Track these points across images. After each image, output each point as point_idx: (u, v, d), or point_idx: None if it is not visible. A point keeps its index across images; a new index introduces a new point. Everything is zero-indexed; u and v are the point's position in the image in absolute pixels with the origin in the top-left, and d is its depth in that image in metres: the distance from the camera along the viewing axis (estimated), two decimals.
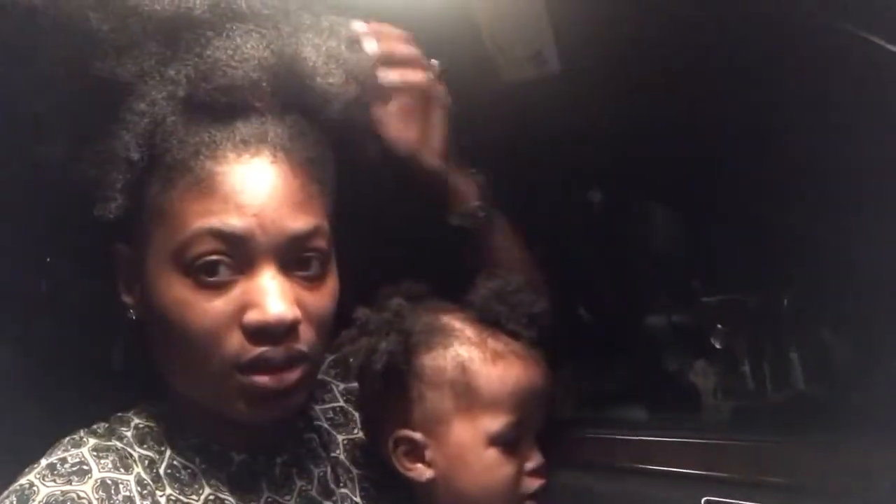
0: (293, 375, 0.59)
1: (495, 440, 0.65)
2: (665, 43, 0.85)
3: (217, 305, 0.57)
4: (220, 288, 0.57)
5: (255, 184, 0.57)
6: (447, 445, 0.66)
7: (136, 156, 0.57)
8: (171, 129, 0.57)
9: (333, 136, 0.65)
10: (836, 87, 0.74)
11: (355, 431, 0.74)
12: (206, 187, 0.56)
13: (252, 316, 0.57)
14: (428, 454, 0.67)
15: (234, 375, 0.58)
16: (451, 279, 0.85)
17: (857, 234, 0.85)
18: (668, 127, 0.96)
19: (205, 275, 0.57)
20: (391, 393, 0.67)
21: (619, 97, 0.94)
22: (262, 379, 0.58)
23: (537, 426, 0.67)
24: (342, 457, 0.72)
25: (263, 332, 0.57)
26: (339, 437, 0.73)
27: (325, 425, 0.73)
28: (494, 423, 0.65)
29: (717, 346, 1.28)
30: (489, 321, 0.68)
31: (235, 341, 0.58)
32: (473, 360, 0.66)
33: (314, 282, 0.61)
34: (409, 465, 0.68)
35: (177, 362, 0.61)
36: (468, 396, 0.65)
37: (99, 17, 0.56)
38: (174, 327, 0.58)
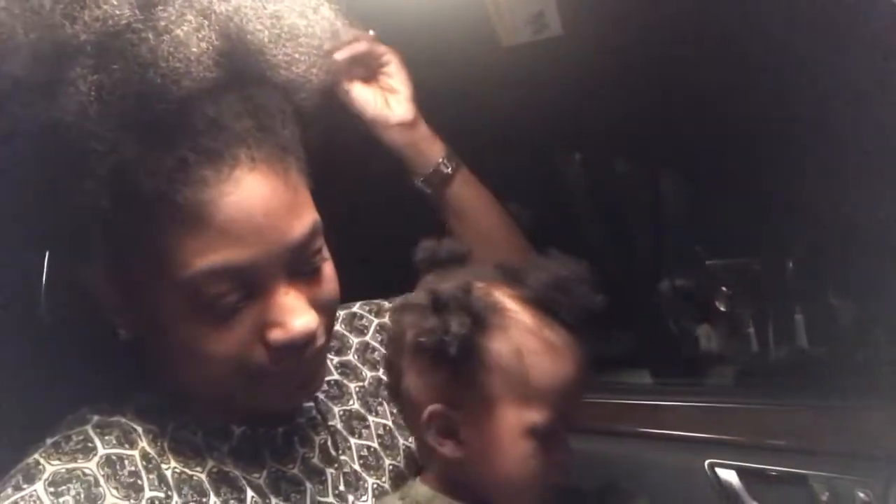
0: (314, 363, 0.60)
1: (535, 432, 0.63)
2: (668, 7, 0.83)
3: (236, 332, 0.55)
4: (233, 316, 0.55)
5: (246, 206, 0.53)
6: (485, 429, 0.63)
7: (105, 203, 0.50)
8: (133, 160, 0.50)
9: (294, 107, 0.61)
10: (840, 53, 0.72)
11: (350, 403, 0.75)
12: (195, 220, 0.52)
13: (277, 335, 0.55)
14: (463, 433, 0.65)
15: (265, 381, 0.58)
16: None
17: (859, 198, 0.84)
18: (673, 92, 0.95)
19: (217, 310, 0.54)
20: (436, 366, 0.64)
21: (621, 62, 0.92)
22: (294, 378, 0.59)
23: (573, 420, 0.65)
24: (339, 426, 0.72)
25: (290, 348, 0.56)
26: (336, 409, 0.73)
27: (322, 397, 0.73)
28: (539, 415, 0.62)
29: (722, 309, 1.28)
30: (546, 308, 0.64)
31: (259, 356, 0.56)
32: (530, 348, 0.63)
33: (317, 273, 0.59)
34: (441, 440, 0.65)
35: (195, 380, 0.60)
36: (518, 385, 0.62)
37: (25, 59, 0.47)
38: (192, 355, 0.56)
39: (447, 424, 0.64)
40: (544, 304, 0.64)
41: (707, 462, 0.86)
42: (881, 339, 0.97)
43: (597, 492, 0.71)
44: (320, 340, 0.58)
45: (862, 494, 0.75)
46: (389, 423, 0.76)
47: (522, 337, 0.63)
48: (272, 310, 0.55)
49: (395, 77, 0.82)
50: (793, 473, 0.81)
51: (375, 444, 0.73)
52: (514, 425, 0.62)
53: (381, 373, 0.78)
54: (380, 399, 0.77)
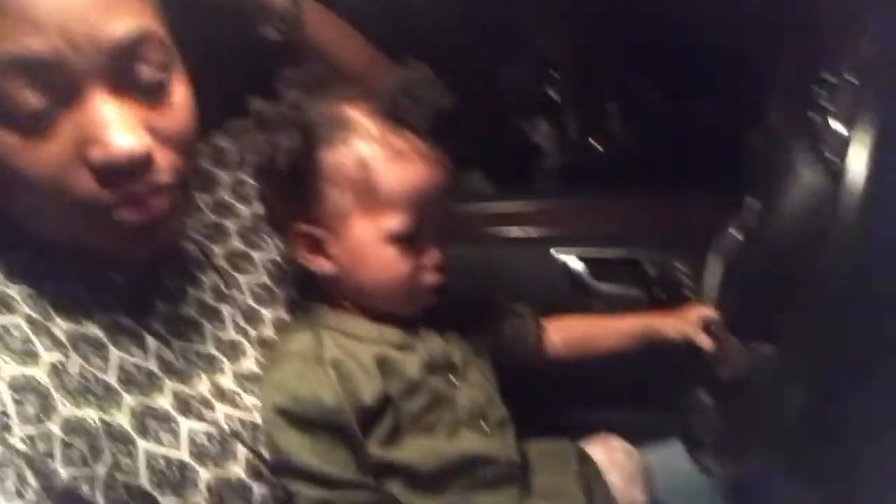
0: (162, 206, 0.54)
1: (394, 238, 0.64)
2: None
3: (50, 150, 0.49)
4: (48, 128, 0.49)
5: None
6: (347, 241, 0.65)
7: None
8: None
9: None
10: None
11: (231, 242, 0.73)
12: None
13: (96, 153, 0.50)
14: (329, 249, 0.66)
15: (97, 216, 0.53)
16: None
17: None
18: None
19: (21, 117, 0.48)
20: (291, 188, 0.64)
21: None
22: (130, 214, 0.53)
23: (438, 224, 0.66)
24: (224, 265, 0.71)
25: (113, 170, 0.51)
26: (217, 249, 0.72)
27: (201, 238, 0.71)
28: (394, 221, 0.63)
29: (555, 98, 1.34)
30: (394, 116, 0.64)
31: (85, 182, 0.51)
32: (375, 157, 0.62)
33: (160, 97, 0.54)
34: (310, 257, 0.67)
35: (30, 212, 0.54)
36: (368, 194, 0.63)
37: None
38: (12, 181, 0.50)
39: (313, 242, 0.66)
40: (391, 110, 0.64)
41: (552, 250, 0.97)
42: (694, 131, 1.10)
43: (477, 303, 0.78)
44: (162, 176, 0.54)
45: (681, 268, 0.90)
46: (276, 256, 0.76)
47: (366, 146, 0.62)
48: (89, 123, 0.50)
49: None
50: (627, 258, 0.94)
51: (265, 279, 0.73)
52: (372, 234, 0.64)
53: (258, 207, 0.76)
54: (262, 234, 0.76)
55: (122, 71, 0.51)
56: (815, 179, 0.58)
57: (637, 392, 0.86)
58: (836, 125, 0.56)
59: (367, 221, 0.63)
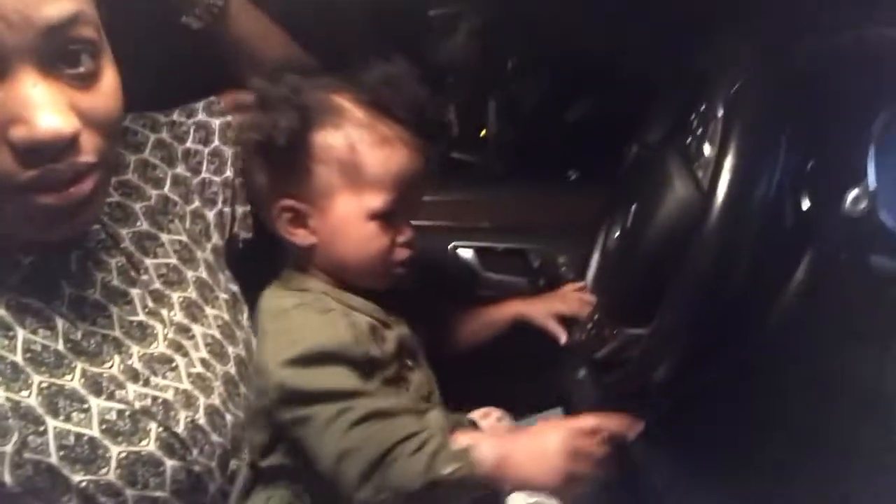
0: (82, 188, 0.54)
1: (375, 215, 0.70)
2: None
3: None
4: None
5: None
6: (330, 216, 0.70)
7: None
8: None
9: None
10: None
11: (138, 224, 0.72)
12: None
13: (19, 133, 0.50)
14: (311, 223, 0.71)
15: (13, 196, 0.52)
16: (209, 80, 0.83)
17: None
18: None
19: None
20: (282, 165, 0.69)
21: None
22: (47, 199, 0.53)
23: (413, 205, 0.73)
24: (132, 248, 0.71)
25: (37, 151, 0.50)
26: (123, 231, 0.71)
27: (106, 220, 0.70)
28: (376, 200, 0.69)
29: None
30: (378, 105, 0.70)
31: (4, 160, 0.50)
32: (362, 140, 0.68)
33: (88, 80, 0.54)
34: (292, 230, 0.72)
35: None
36: (354, 174, 0.68)
37: None
38: None
39: (296, 216, 0.71)
40: (377, 101, 0.70)
41: (451, 245, 1.04)
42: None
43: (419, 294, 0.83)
44: (85, 156, 0.54)
45: (562, 259, 0.99)
46: (184, 238, 0.76)
47: (355, 131, 0.69)
48: (15, 102, 0.50)
49: None
50: (514, 248, 1.03)
51: (174, 260, 0.73)
52: (355, 211, 0.70)
53: (166, 190, 0.76)
54: (170, 216, 0.75)
55: (53, 52, 0.51)
56: (686, 191, 0.68)
57: (526, 369, 0.95)
58: (706, 147, 0.66)
59: (351, 199, 0.69)
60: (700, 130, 0.68)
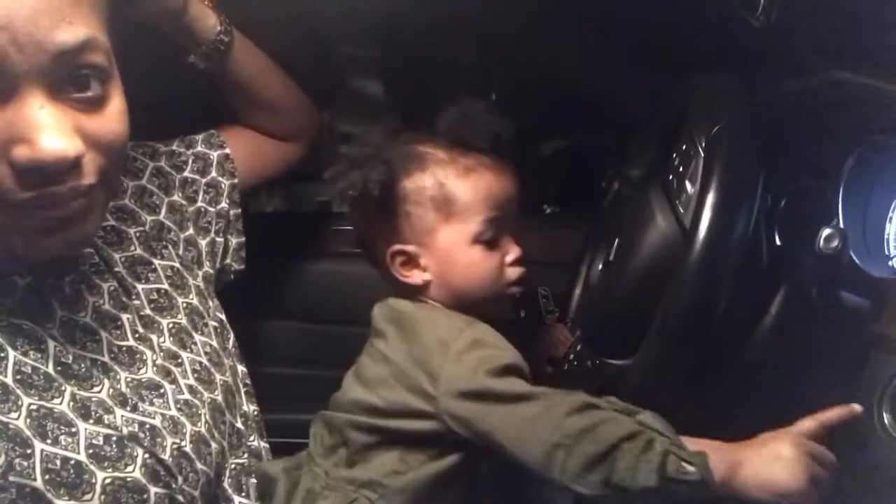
0: (80, 203, 0.55)
1: (476, 239, 0.74)
2: None
3: None
4: None
5: None
6: (437, 251, 0.75)
7: None
8: None
9: None
10: None
11: (132, 248, 0.73)
12: None
13: (21, 152, 0.50)
14: (422, 261, 0.76)
15: (9, 212, 0.52)
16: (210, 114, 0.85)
17: None
18: None
19: None
20: (382, 216, 0.75)
21: None
22: (43, 213, 0.53)
23: (512, 224, 0.77)
24: (124, 273, 0.71)
25: (38, 171, 0.50)
26: (117, 255, 0.71)
27: (101, 243, 0.70)
28: (473, 224, 0.74)
29: None
30: (457, 142, 0.75)
31: (3, 180, 0.51)
32: (448, 175, 0.74)
33: (96, 104, 0.55)
34: (406, 273, 0.76)
35: None
36: (448, 207, 0.74)
37: None
38: None
39: (408, 259, 0.76)
40: (454, 139, 0.75)
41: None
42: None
43: None
44: (87, 179, 0.55)
45: (542, 291, 1.01)
46: (177, 264, 0.76)
47: (439, 169, 0.74)
48: (21, 122, 0.50)
49: None
50: None
51: (166, 286, 0.74)
52: (457, 239, 0.75)
53: (162, 216, 0.77)
54: (164, 242, 0.76)
55: (63, 76, 0.52)
56: (668, 227, 0.71)
57: None
58: (687, 185, 0.69)
59: (451, 230, 0.75)
60: (681, 168, 0.71)
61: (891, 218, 0.86)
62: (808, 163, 0.88)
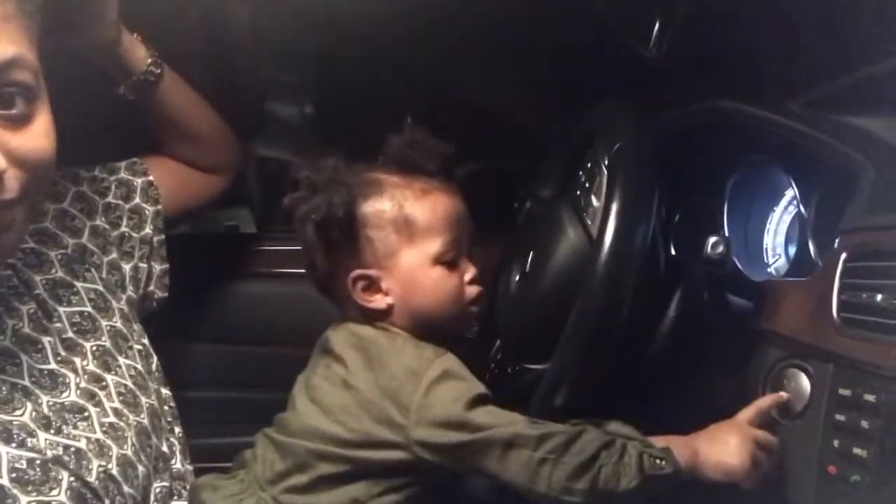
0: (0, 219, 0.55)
1: (438, 259, 0.75)
2: None
3: None
4: None
5: None
6: (399, 273, 0.75)
7: None
8: None
9: None
10: None
11: (53, 271, 0.71)
12: None
13: None
14: (384, 285, 0.76)
15: None
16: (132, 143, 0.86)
17: None
18: None
19: None
20: (342, 242, 0.74)
21: None
22: None
23: (466, 242, 0.78)
24: (45, 295, 0.69)
25: None
26: (37, 277, 0.70)
27: (20, 265, 0.69)
28: (433, 244, 0.75)
29: None
30: (409, 167, 0.77)
31: None
32: (406, 197, 0.75)
33: (21, 122, 0.55)
34: (368, 297, 0.76)
35: None
36: (408, 229, 0.75)
37: None
38: None
39: (369, 283, 0.76)
40: (407, 163, 0.77)
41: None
42: None
43: None
44: (8, 194, 0.55)
45: None
46: (100, 287, 0.75)
47: (397, 191, 0.76)
48: None
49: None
50: None
51: (89, 309, 0.73)
52: (418, 260, 0.75)
53: (84, 240, 0.76)
54: (87, 265, 0.75)
55: None
56: (577, 237, 0.77)
57: None
58: (593, 199, 0.76)
59: (412, 251, 0.75)
60: (587, 184, 0.78)
61: (768, 230, 0.97)
62: (697, 181, 0.98)
